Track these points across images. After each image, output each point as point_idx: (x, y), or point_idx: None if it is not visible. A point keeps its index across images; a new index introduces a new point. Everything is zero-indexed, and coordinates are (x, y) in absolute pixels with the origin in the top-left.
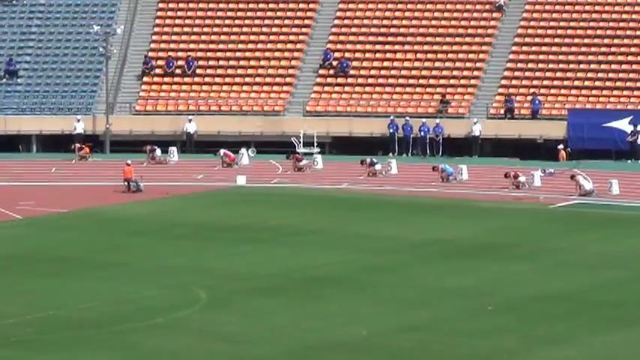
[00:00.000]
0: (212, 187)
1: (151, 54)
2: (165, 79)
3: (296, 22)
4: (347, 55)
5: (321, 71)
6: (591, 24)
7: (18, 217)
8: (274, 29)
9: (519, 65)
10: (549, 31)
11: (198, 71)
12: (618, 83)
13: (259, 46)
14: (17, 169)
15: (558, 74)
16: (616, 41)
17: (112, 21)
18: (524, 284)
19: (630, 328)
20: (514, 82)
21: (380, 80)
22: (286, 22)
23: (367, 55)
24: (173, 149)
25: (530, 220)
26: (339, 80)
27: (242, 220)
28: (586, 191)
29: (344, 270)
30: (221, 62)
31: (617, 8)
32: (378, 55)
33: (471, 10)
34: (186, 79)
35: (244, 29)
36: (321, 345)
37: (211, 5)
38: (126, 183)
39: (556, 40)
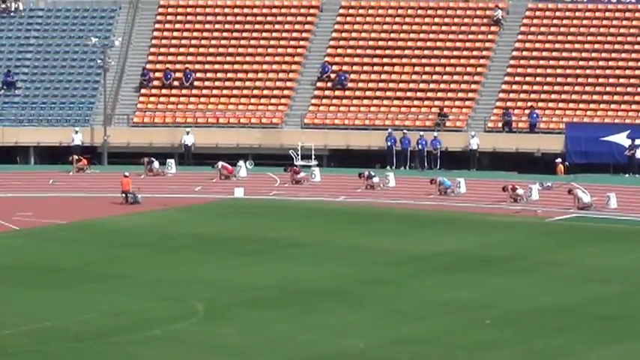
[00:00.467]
0: (210, 199)
1: (148, 66)
2: (163, 91)
3: (294, 34)
4: (345, 67)
5: (319, 84)
6: (589, 38)
7: (15, 228)
8: (272, 41)
9: (517, 79)
10: (547, 45)
11: (196, 83)
12: (616, 97)
13: (257, 58)
14: (15, 180)
15: (556, 88)
16: (614, 55)
17: (110, 33)
18: (522, 297)
19: (629, 342)
20: (512, 95)
21: (378, 93)
22: (284, 34)
23: (365, 67)
24: (171, 161)
25: (528, 233)
26: (337, 93)
27: (240, 232)
28: (584, 204)
29: (341, 282)
30: (219, 74)
31: (614, 22)
32: (376, 68)
33: (469, 23)
34: (184, 91)
35: (242, 41)
36: (318, 357)
37: (209, 17)
38: (123, 195)
39: (554, 53)
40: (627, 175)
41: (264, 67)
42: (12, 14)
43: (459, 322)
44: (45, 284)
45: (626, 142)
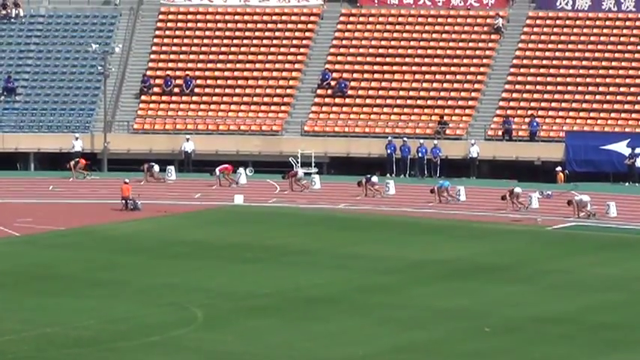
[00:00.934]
0: (209, 206)
1: (149, 73)
2: (164, 98)
3: (294, 41)
4: (345, 75)
5: (319, 91)
6: (589, 46)
7: (15, 234)
8: (273, 49)
9: (517, 87)
10: (547, 53)
11: (196, 90)
12: (616, 106)
13: (258, 65)
14: (15, 186)
15: (556, 96)
16: (614, 64)
17: (111, 40)
18: (521, 306)
19: (628, 351)
20: (512, 103)
21: (378, 101)
22: (285, 41)
23: (365, 75)
24: (171, 168)
25: (528, 241)
26: (337, 100)
27: (239, 239)
28: (584, 203)
29: (341, 290)
30: (219, 81)
31: (615, 31)
32: (376, 75)
33: (469, 31)
34: (184, 98)
35: (243, 49)
36: None
37: (210, 25)
38: (123, 201)
39: (554, 62)
40: (627, 184)
41: (265, 74)
42: (12, 20)
43: (458, 330)
44: (44, 290)
45: (626, 151)
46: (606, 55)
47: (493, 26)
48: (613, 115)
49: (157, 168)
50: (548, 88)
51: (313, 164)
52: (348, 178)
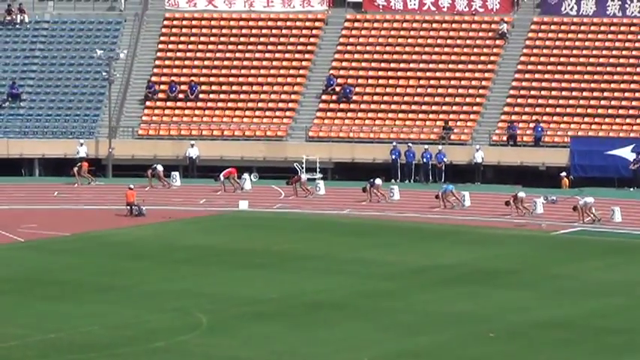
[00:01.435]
0: (214, 211)
1: (153, 78)
2: (168, 104)
3: (299, 47)
4: (350, 80)
5: (324, 97)
6: (594, 52)
7: (20, 239)
8: (277, 54)
9: (522, 92)
10: (552, 59)
11: (201, 96)
12: (621, 111)
13: (262, 71)
14: (20, 192)
15: (561, 101)
16: (619, 69)
17: (116, 45)
18: (526, 311)
19: (632, 356)
20: (517, 109)
21: (383, 106)
22: (289, 47)
23: (370, 81)
24: (175, 174)
25: (533, 247)
26: (342, 106)
27: (244, 244)
28: (589, 206)
29: (345, 295)
30: (224, 87)
31: (620, 36)
32: (381, 81)
33: (474, 37)
34: (188, 104)
35: (247, 54)
36: None
37: (214, 30)
38: (128, 207)
39: (559, 67)
40: (632, 189)
41: (269, 79)
42: (17, 26)
43: (462, 335)
44: (49, 296)
45: (631, 156)
46: (611, 60)
47: (498, 31)
48: (618, 120)
49: (160, 167)
50: (553, 93)
51: (318, 170)
52: (353, 184)
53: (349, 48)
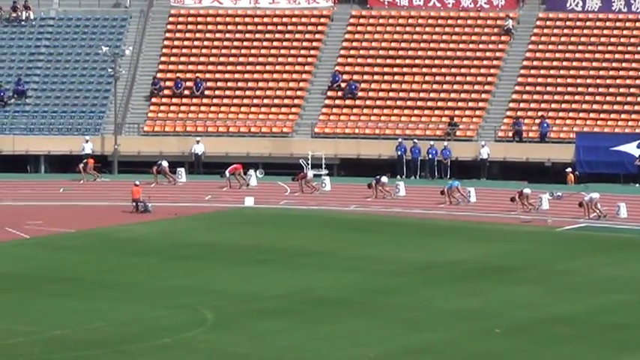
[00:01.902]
0: (220, 208)
1: (159, 75)
2: (174, 100)
3: (305, 43)
4: (355, 77)
5: (329, 93)
6: (600, 47)
7: (26, 236)
8: (283, 50)
9: (528, 88)
10: (558, 55)
11: (206, 92)
12: (627, 107)
13: (268, 67)
14: (25, 189)
15: (567, 97)
16: (624, 65)
17: (121, 42)
18: (532, 307)
19: (638, 352)
20: (522, 105)
21: (388, 102)
22: (295, 43)
23: (376, 77)
24: (181, 170)
25: (538, 242)
26: (348, 102)
27: (250, 241)
28: (595, 201)
29: (351, 292)
30: (229, 83)
31: (625, 32)
32: (386, 77)
33: (479, 33)
34: (194, 100)
35: (253, 50)
36: None
37: (220, 27)
38: (134, 203)
39: (564, 63)
40: (637, 185)
41: (275, 76)
42: (23, 23)
43: (468, 332)
44: (55, 293)
45: (637, 152)
46: (616, 56)
47: (503, 27)
48: (623, 116)
49: (165, 163)
50: (559, 89)
51: (323, 166)
52: (359, 180)
53: (354, 44)
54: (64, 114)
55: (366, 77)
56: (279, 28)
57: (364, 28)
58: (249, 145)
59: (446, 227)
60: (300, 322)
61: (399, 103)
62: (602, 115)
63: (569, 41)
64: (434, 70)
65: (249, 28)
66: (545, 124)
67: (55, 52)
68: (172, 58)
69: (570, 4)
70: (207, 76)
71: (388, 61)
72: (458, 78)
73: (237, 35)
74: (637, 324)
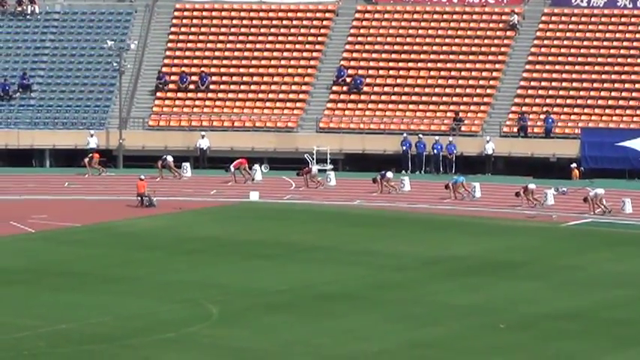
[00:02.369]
0: (225, 202)
1: (164, 69)
2: (179, 95)
3: (310, 38)
4: (360, 72)
5: (334, 88)
6: (605, 43)
7: (31, 230)
8: (288, 45)
9: (533, 84)
10: (563, 50)
11: (211, 87)
12: (632, 102)
13: (273, 62)
14: (30, 183)
15: (572, 93)
16: (629, 60)
17: (126, 36)
18: (536, 302)
19: None
20: (527, 100)
21: (393, 97)
22: (300, 38)
23: (381, 72)
24: (186, 165)
25: (543, 238)
26: (353, 97)
27: (254, 235)
28: (600, 197)
29: (355, 286)
30: (234, 78)
31: (630, 28)
32: (391, 72)
33: (485, 28)
34: (199, 95)
35: (258, 45)
36: None
37: (225, 21)
38: (139, 198)
39: (570, 58)
40: None
41: (280, 70)
42: (28, 17)
43: (472, 327)
44: (60, 287)
45: None
46: (621, 51)
47: (508, 23)
48: (628, 111)
49: (170, 158)
50: (564, 84)
51: (328, 161)
52: (364, 175)
53: (360, 39)
54: (69, 108)
55: (371, 72)
56: (285, 22)
57: (369, 23)
58: (254, 140)
59: (450, 222)
60: (305, 316)
61: (404, 98)
62: (607, 111)
63: (574, 37)
64: (439, 65)
65: (255, 22)
66: (550, 120)
67: (60, 46)
68: (177, 53)
69: (575, 0)
70: (213, 70)
71: (393, 56)
72: (463, 73)
73: (243, 30)
74: None
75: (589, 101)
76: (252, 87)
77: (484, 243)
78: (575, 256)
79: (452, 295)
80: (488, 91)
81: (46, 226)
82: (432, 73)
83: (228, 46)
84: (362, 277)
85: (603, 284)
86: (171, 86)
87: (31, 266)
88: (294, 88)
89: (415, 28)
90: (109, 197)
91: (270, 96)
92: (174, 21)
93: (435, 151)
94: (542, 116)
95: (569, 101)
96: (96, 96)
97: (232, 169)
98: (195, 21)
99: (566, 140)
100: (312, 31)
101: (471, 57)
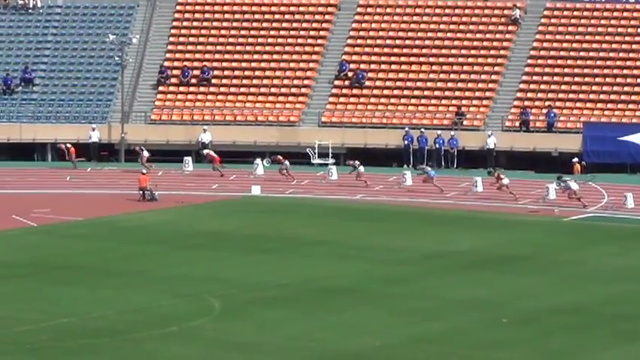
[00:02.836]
0: (227, 196)
1: (166, 63)
2: (181, 89)
3: (312, 32)
4: (362, 66)
5: (336, 82)
6: (607, 37)
7: (33, 224)
8: (290, 40)
9: (535, 78)
10: (565, 45)
11: (213, 81)
12: (634, 97)
13: (275, 56)
14: (32, 177)
15: (574, 87)
16: (632, 55)
17: (128, 30)
18: (538, 297)
19: None
20: (529, 94)
21: (395, 92)
22: (302, 32)
23: (383, 66)
24: (188, 159)
25: (545, 232)
26: (355, 91)
27: (256, 229)
28: (574, 192)
29: (357, 281)
30: (236, 72)
31: (632, 22)
32: (393, 66)
33: (486, 22)
34: (201, 89)
35: (260, 39)
36: (334, 356)
37: (227, 15)
38: (141, 192)
39: (572, 53)
40: None
41: (282, 64)
42: (30, 11)
43: (475, 321)
44: (62, 281)
45: None
46: (623, 46)
47: (510, 17)
48: (630, 106)
49: (146, 153)
50: (566, 79)
51: (330, 155)
52: (366, 170)
53: (362, 33)
54: (71, 102)
55: (373, 66)
56: (287, 16)
57: (371, 17)
58: (256, 134)
59: (452, 216)
60: (307, 310)
61: (406, 92)
62: (609, 105)
63: (576, 31)
64: (441, 59)
65: (257, 16)
66: (553, 114)
67: (63, 40)
68: (179, 47)
69: None
70: (215, 64)
71: (395, 50)
72: (465, 67)
73: (245, 24)
74: None
75: (591, 95)
76: (254, 81)
77: (486, 237)
78: (577, 250)
79: (454, 290)
80: (490, 85)
81: (49, 220)
82: (434, 67)
83: (230, 40)
84: (364, 272)
85: (606, 279)
86: (173, 80)
87: (33, 260)
88: (296, 82)
89: (417, 22)
90: (111, 191)
91: (273, 90)
92: (177, 15)
93: (437, 145)
94: (545, 111)
95: (571, 95)
96: (98, 90)
97: (205, 152)
98: (197, 15)
99: (568, 135)
100: (314, 25)
101: (473, 51)
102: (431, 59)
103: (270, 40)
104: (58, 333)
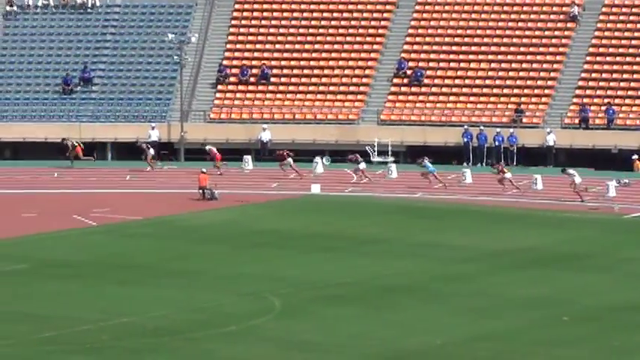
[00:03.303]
0: (286, 195)
1: (225, 62)
2: (240, 87)
3: (370, 31)
4: (421, 64)
5: (395, 80)
6: None
7: (93, 224)
8: (349, 38)
9: (594, 75)
10: (624, 41)
11: (272, 79)
12: None
13: (334, 54)
14: (92, 176)
15: (633, 84)
16: None
17: (187, 29)
18: (599, 294)
19: None
20: (588, 91)
21: (454, 89)
22: (361, 30)
23: (441, 64)
24: (248, 157)
25: (605, 230)
26: (414, 89)
27: (317, 228)
28: (578, 187)
29: (418, 279)
30: (295, 71)
31: None
32: (452, 64)
33: (545, 20)
34: (260, 88)
35: (319, 38)
36: (395, 354)
37: (286, 14)
38: (201, 191)
39: (630, 50)
40: None
41: (341, 63)
42: (89, 10)
43: (536, 319)
44: (122, 280)
45: None
46: None
47: (569, 14)
48: None
49: (152, 151)
50: (625, 76)
51: (390, 153)
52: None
53: (420, 31)
54: (131, 101)
55: (431, 64)
56: (345, 14)
57: (430, 15)
58: (315, 133)
59: (513, 214)
60: (368, 309)
61: (464, 90)
62: None
63: (635, 28)
64: (500, 56)
65: (315, 15)
66: (612, 111)
67: (121, 39)
68: (238, 45)
69: None
70: (273, 63)
71: (454, 47)
72: (524, 65)
73: (303, 22)
74: None
75: None
76: (313, 79)
77: (547, 235)
78: (638, 248)
79: (515, 288)
80: (549, 82)
81: (109, 219)
82: (493, 64)
83: (289, 38)
84: (425, 270)
85: None
86: (232, 79)
87: (94, 259)
88: (354, 80)
89: (476, 20)
90: (171, 190)
91: (331, 88)
92: (235, 14)
93: (497, 142)
94: (604, 107)
95: (630, 92)
96: (157, 89)
97: (207, 147)
98: (255, 13)
99: (628, 131)
100: (373, 23)
101: (532, 49)
102: (490, 57)
103: (328, 38)
104: (118, 332)
